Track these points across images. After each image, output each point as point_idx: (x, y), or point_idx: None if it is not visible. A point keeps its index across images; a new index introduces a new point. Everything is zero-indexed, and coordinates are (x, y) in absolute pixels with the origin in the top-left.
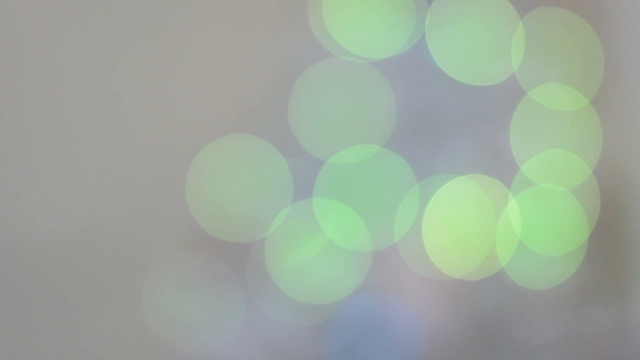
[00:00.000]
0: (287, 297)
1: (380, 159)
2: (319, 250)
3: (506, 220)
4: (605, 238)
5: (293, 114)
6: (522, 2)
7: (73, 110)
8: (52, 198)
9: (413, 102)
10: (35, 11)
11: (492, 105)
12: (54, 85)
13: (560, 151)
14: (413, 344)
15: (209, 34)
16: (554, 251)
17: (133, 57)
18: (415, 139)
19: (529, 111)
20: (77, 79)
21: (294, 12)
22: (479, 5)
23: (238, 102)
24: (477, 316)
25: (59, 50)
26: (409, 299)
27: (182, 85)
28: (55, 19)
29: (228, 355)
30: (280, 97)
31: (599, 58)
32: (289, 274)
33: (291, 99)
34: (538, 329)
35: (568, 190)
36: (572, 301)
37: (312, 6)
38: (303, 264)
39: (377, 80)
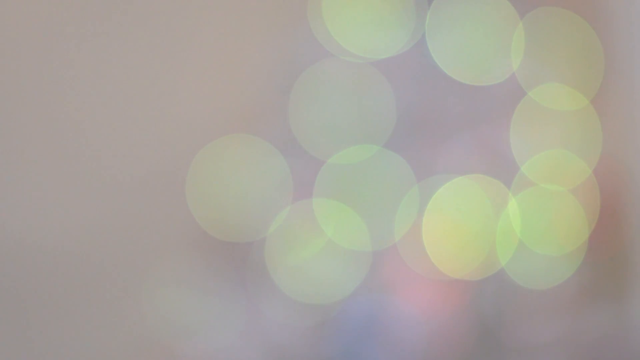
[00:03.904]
0: (287, 297)
1: (380, 159)
2: (319, 250)
3: (506, 220)
4: (605, 238)
5: (293, 114)
6: (522, 2)
7: (73, 110)
8: (51, 198)
9: (413, 102)
10: (34, 10)
11: (492, 105)
12: (54, 86)
13: (560, 151)
14: (413, 343)
15: (209, 34)
16: (554, 251)
17: (133, 57)
18: (415, 139)
19: (529, 111)
20: (77, 79)
21: (294, 12)
22: (479, 5)
23: (238, 102)
24: (477, 316)
25: (59, 50)
26: (409, 299)
27: (182, 85)
28: (55, 18)
29: (228, 355)
30: (280, 97)
31: (599, 58)
32: (289, 274)
33: (291, 99)
34: (538, 329)
35: (568, 190)
36: (572, 301)
37: (312, 6)
38: (303, 264)
39: (377, 80)
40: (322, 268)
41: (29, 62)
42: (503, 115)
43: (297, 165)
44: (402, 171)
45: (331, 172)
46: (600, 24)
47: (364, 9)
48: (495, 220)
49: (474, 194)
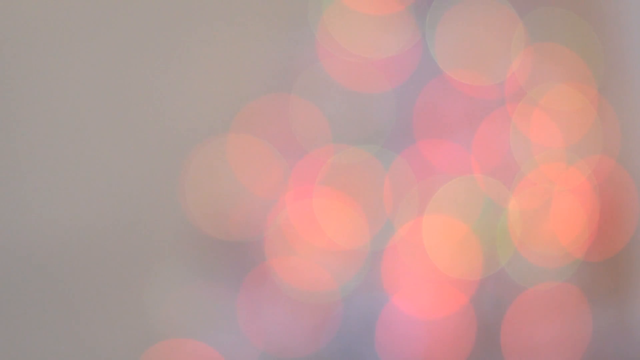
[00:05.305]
0: (287, 297)
1: (380, 159)
2: (319, 250)
3: (506, 220)
4: (605, 238)
5: (293, 114)
6: (522, 2)
7: (72, 110)
8: (51, 198)
9: (413, 102)
10: (34, 9)
11: (492, 105)
12: (53, 86)
13: (560, 151)
14: (413, 343)
15: (210, 34)
16: (554, 251)
17: (133, 57)
18: (415, 139)
19: (529, 111)
20: (77, 79)
21: (294, 12)
22: (479, 5)
23: (238, 101)
24: (477, 316)
25: (60, 50)
26: (409, 299)
27: (182, 85)
28: (55, 18)
29: (228, 355)
30: (280, 97)
31: (599, 58)
32: (289, 274)
33: (291, 99)
34: (538, 329)
35: (568, 190)
36: (572, 301)
37: (312, 6)
38: (303, 264)
39: (377, 80)
40: (322, 268)
41: (29, 62)
42: (503, 115)
43: (297, 165)
44: (402, 171)
45: (331, 171)
46: (600, 24)
47: (364, 9)
48: (495, 220)
49: (474, 194)
